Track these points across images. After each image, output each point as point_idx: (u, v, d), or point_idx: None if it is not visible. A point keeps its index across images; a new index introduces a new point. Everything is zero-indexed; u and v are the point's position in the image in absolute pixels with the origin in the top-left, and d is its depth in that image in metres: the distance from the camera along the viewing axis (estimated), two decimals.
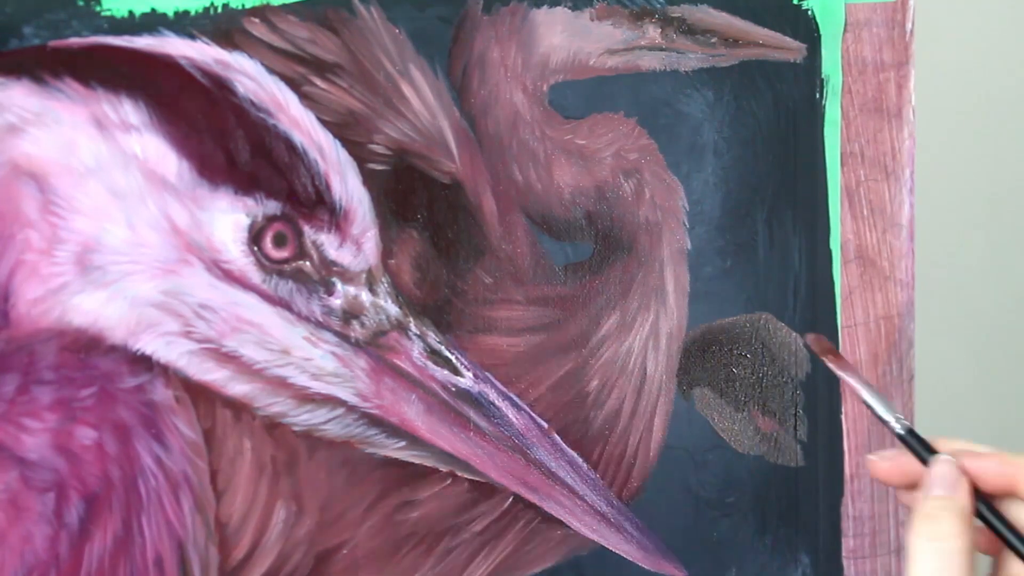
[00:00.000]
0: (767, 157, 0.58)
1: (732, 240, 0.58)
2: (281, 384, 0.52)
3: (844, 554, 0.59)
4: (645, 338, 0.58)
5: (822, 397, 0.60)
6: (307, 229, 0.51)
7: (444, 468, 0.55)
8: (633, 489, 0.58)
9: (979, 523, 0.50)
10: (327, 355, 0.52)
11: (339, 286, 0.52)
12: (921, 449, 0.52)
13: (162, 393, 0.51)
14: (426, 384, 0.54)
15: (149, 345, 0.51)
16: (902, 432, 0.52)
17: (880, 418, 0.52)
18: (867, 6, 0.59)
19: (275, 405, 0.53)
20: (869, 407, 0.52)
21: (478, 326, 0.55)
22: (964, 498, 0.50)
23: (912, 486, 0.52)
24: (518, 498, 0.56)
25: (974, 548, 0.49)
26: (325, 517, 0.54)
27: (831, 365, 0.54)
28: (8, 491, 0.49)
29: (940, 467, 0.51)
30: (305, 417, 0.53)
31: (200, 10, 0.51)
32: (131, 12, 0.51)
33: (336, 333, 0.52)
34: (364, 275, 0.53)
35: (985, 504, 0.50)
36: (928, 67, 0.64)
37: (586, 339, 0.57)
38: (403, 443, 0.54)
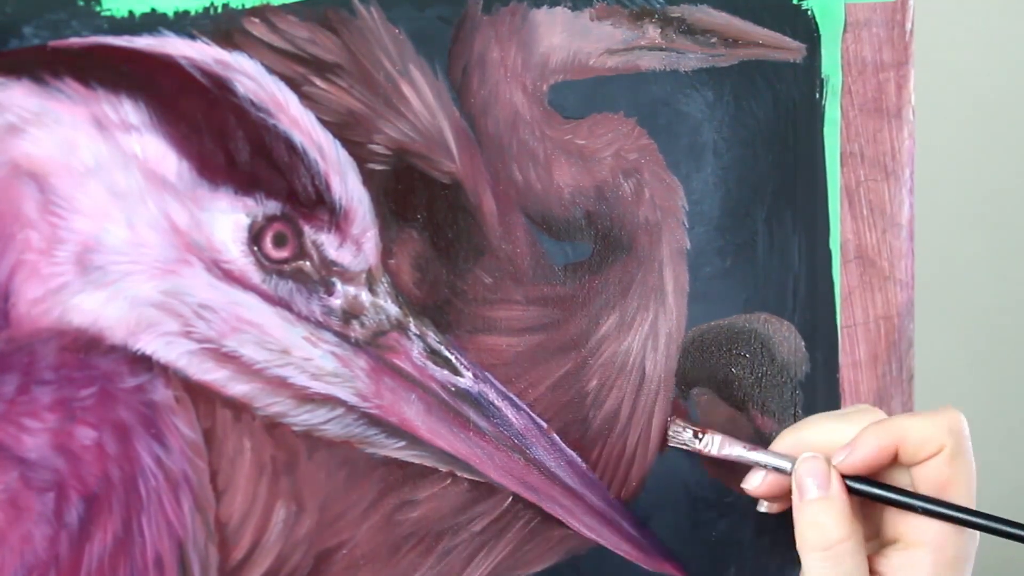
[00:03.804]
0: (767, 157, 0.58)
1: (732, 240, 0.58)
2: (281, 384, 0.52)
3: None
4: (644, 338, 0.58)
5: (821, 397, 0.60)
6: (307, 229, 0.51)
7: (444, 468, 0.55)
8: (632, 489, 0.58)
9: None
10: (327, 355, 0.52)
11: (339, 286, 0.52)
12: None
13: (162, 393, 0.51)
14: (426, 384, 0.54)
15: (149, 345, 0.51)
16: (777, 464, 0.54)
17: (759, 465, 0.54)
18: (867, 6, 0.59)
19: (275, 405, 0.53)
20: (763, 467, 0.54)
21: (478, 326, 0.55)
22: (839, 492, 0.51)
23: (786, 497, 0.54)
24: (517, 498, 0.56)
25: (861, 539, 0.51)
26: (325, 517, 0.54)
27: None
28: (8, 491, 0.49)
29: (808, 464, 0.52)
30: (305, 417, 0.53)
31: (200, 10, 0.51)
32: (131, 12, 0.51)
33: (336, 333, 0.52)
34: (364, 275, 0.53)
35: (858, 479, 0.51)
36: (928, 67, 0.64)
37: (585, 339, 0.57)
38: (403, 443, 0.54)
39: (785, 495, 0.54)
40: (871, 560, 0.52)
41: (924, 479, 0.51)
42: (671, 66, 0.57)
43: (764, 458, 0.54)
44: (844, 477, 0.52)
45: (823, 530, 0.51)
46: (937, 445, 0.50)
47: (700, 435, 0.56)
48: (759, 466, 0.54)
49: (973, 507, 0.51)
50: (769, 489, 0.54)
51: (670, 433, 0.57)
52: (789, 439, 0.54)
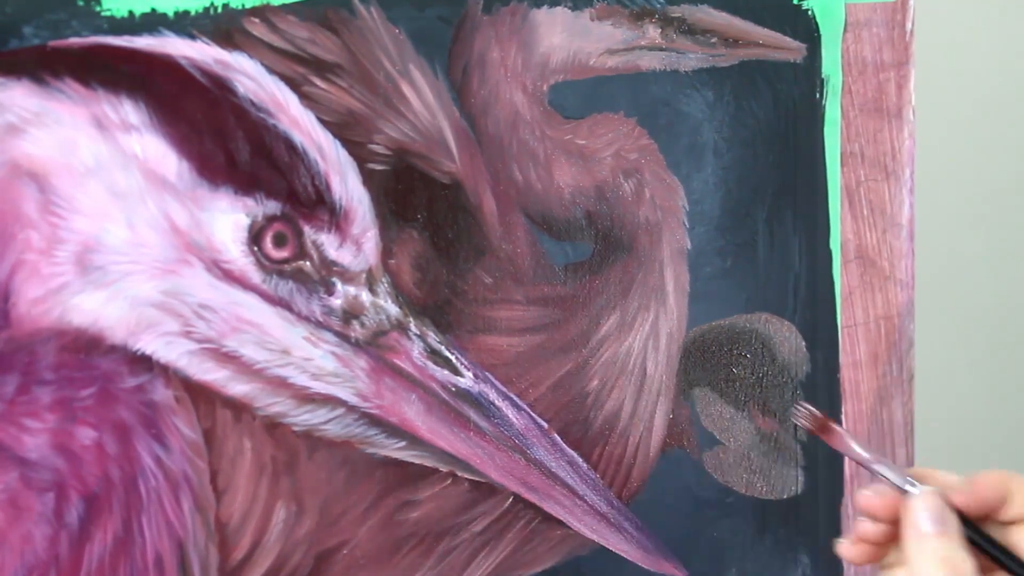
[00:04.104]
0: (767, 157, 0.59)
1: (732, 240, 0.59)
2: (281, 384, 0.52)
3: None
4: (645, 338, 0.58)
5: (822, 396, 0.60)
6: (307, 229, 0.52)
7: (444, 468, 0.55)
8: (633, 489, 0.58)
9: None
10: (327, 355, 0.52)
11: (339, 286, 0.53)
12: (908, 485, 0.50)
13: (162, 393, 0.51)
14: (426, 384, 0.54)
15: (149, 345, 0.51)
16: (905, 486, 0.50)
17: (891, 482, 0.50)
18: (867, 6, 0.59)
19: (275, 405, 0.53)
20: (879, 475, 0.51)
21: (478, 326, 0.56)
22: (957, 531, 0.48)
23: (894, 520, 0.50)
24: (518, 498, 0.56)
25: None
26: (325, 517, 0.54)
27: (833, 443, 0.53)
28: (8, 491, 0.49)
29: (928, 499, 0.49)
30: (305, 417, 0.53)
31: (200, 10, 0.52)
32: (131, 12, 0.51)
33: (336, 333, 0.52)
34: (364, 275, 0.53)
35: (972, 529, 0.49)
36: (928, 67, 0.64)
37: (586, 339, 0.57)
38: (403, 443, 0.54)
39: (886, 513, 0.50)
40: None
41: (1018, 541, 0.49)
42: (671, 66, 0.57)
43: (887, 470, 0.50)
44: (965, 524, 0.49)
45: (953, 566, 0.47)
46: None
47: (825, 422, 0.52)
48: (877, 473, 0.50)
49: None
50: (881, 510, 0.50)
51: (796, 411, 0.53)
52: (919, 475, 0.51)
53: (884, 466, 0.51)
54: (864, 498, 0.51)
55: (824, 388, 0.60)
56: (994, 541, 0.49)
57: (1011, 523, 0.49)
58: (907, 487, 0.50)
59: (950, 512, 0.49)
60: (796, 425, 0.55)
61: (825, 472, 0.59)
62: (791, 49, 0.58)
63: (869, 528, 0.51)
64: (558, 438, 0.56)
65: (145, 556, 0.51)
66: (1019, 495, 0.49)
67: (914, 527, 0.48)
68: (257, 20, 0.52)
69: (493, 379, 0.55)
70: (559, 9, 0.56)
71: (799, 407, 0.53)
